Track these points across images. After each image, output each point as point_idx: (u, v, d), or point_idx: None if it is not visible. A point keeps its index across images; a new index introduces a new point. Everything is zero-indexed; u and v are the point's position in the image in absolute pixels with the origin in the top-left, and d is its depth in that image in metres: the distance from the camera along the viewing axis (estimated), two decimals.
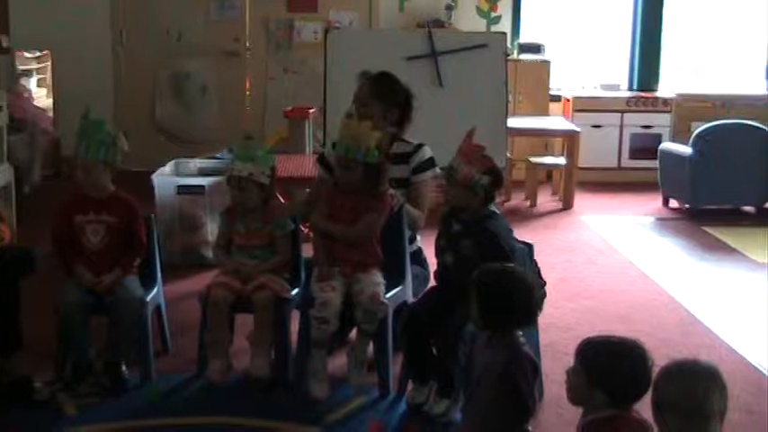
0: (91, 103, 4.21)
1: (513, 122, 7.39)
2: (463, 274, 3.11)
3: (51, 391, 3.82)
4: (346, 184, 3.97)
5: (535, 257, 3.95)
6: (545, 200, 8.09)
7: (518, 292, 2.94)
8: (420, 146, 4.39)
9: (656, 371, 2.49)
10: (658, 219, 7.59)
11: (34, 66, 8.14)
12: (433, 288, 3.98)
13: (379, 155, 3.92)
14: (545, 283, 3.62)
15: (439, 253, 3.77)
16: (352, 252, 3.95)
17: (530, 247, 3.90)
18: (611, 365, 2.56)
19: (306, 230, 6.04)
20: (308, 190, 6.20)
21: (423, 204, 4.34)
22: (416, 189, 4.34)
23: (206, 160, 6.59)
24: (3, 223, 4.08)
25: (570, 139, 7.93)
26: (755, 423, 3.72)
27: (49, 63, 8.23)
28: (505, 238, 3.60)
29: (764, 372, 4.30)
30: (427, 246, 4.52)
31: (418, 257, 4.41)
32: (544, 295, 3.40)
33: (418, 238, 4.47)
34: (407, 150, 4.37)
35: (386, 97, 4.31)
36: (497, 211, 3.71)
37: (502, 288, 2.93)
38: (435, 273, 3.86)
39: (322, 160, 4.48)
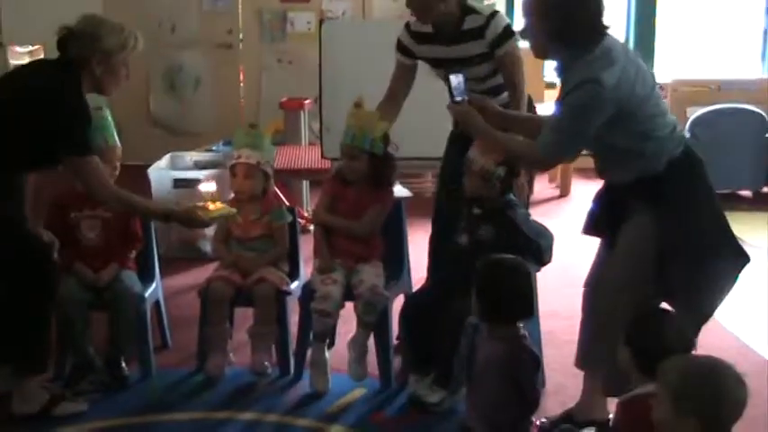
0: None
1: None
2: (475, 257, 3.09)
3: (52, 389, 3.79)
4: (351, 173, 3.95)
5: None
6: (542, 187, 8.06)
7: (518, 284, 2.92)
8: (493, 15, 3.90)
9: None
10: None
11: (27, 60, 8.10)
12: (433, 277, 3.97)
13: (384, 146, 3.90)
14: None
15: (453, 234, 3.78)
16: (354, 244, 3.95)
17: None
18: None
19: (303, 222, 6.03)
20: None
21: (517, 77, 3.90)
22: (504, 64, 3.91)
23: (202, 153, 6.58)
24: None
25: None
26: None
27: (41, 57, 8.20)
28: (528, 224, 3.65)
29: (763, 355, 4.33)
30: (416, 231, 4.50)
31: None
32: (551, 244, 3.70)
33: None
34: (480, 24, 3.88)
35: None
36: (515, 200, 3.71)
37: (501, 280, 2.92)
38: (439, 257, 3.85)
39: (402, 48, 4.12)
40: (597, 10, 3.06)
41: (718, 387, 2.21)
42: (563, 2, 3.02)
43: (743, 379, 2.24)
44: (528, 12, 3.12)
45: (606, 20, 3.08)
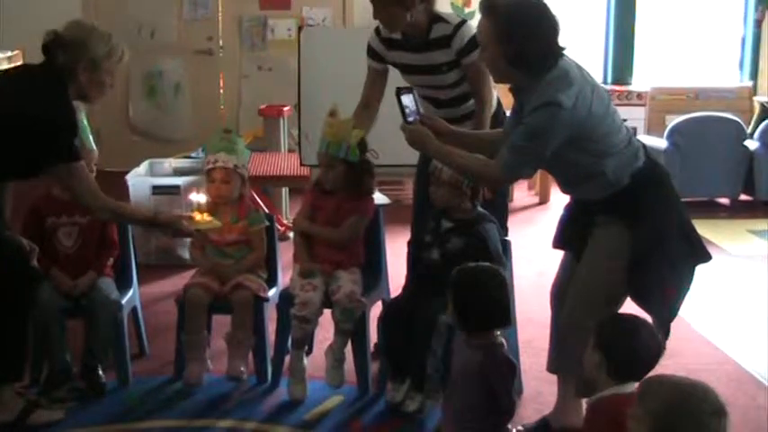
0: None
1: None
2: (448, 271, 3.09)
3: (27, 396, 3.77)
4: (328, 182, 3.96)
5: (512, 252, 3.98)
6: (521, 195, 8.09)
7: (494, 293, 2.92)
8: (459, 25, 3.89)
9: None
10: None
11: (6, 66, 8.06)
12: (411, 284, 3.97)
13: (360, 154, 3.90)
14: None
15: (423, 248, 3.76)
16: (333, 251, 3.95)
17: (505, 243, 3.89)
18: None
19: (282, 229, 6.03)
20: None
21: (481, 86, 3.90)
22: (469, 73, 3.91)
23: (181, 160, 6.55)
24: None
25: None
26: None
27: (20, 62, 8.16)
28: (494, 242, 3.62)
29: (741, 364, 4.34)
30: (395, 238, 4.51)
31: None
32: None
33: None
34: (447, 33, 3.89)
35: None
36: (488, 214, 3.71)
37: (477, 289, 2.91)
38: (415, 268, 3.85)
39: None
40: (552, 33, 3.12)
41: (701, 422, 2.19)
42: (518, 27, 3.06)
43: (726, 410, 2.22)
44: (484, 39, 3.16)
45: (561, 41, 3.14)
